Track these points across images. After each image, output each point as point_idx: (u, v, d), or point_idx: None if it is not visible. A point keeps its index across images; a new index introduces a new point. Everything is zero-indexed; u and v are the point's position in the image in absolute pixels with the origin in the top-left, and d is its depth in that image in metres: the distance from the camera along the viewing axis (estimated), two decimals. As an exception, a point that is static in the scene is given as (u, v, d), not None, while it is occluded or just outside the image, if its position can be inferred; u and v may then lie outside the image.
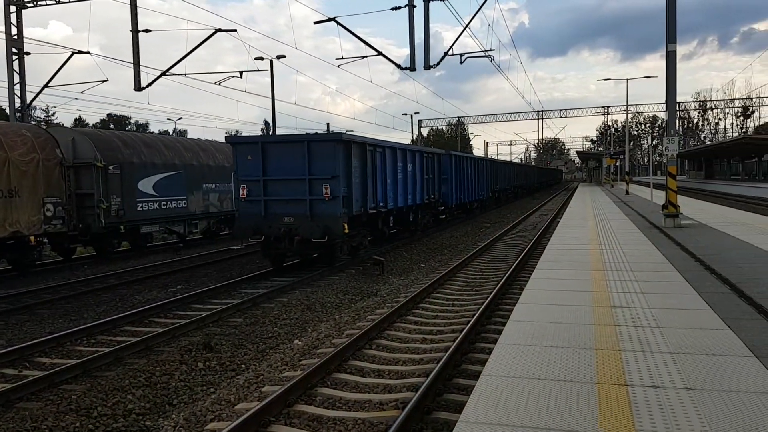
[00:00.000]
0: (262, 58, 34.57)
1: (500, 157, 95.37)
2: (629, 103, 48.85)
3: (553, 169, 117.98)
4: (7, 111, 22.95)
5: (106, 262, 18.23)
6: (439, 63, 17.22)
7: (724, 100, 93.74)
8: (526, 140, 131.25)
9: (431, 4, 15.89)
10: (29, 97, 22.99)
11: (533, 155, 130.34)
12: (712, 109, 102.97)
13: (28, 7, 22.10)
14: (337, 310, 11.31)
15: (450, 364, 7.18)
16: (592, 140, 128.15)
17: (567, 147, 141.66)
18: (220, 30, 18.28)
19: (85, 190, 17.60)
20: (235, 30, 18.17)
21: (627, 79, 48.96)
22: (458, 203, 28.59)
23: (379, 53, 17.03)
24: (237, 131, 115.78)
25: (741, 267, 8.88)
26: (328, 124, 62.60)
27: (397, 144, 19.42)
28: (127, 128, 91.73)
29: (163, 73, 18.92)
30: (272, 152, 15.02)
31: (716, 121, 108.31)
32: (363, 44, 18.17)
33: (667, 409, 3.70)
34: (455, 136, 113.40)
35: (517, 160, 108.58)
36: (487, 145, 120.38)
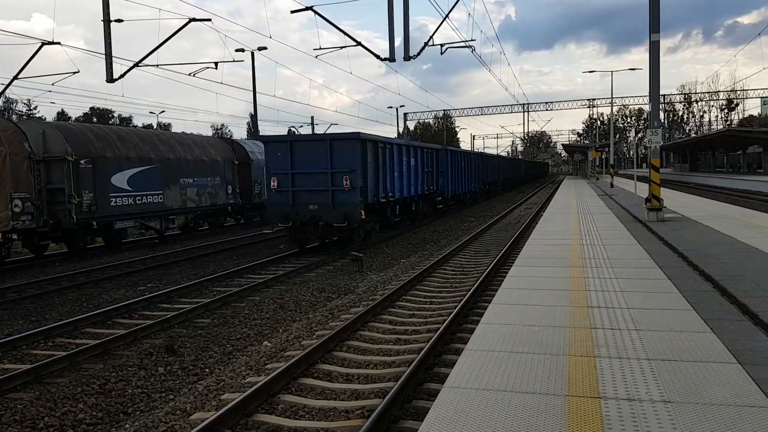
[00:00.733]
0: (243, 50, 33.99)
1: (487, 151, 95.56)
2: (615, 96, 48.78)
3: (540, 162, 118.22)
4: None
5: (78, 258, 17.72)
6: (419, 53, 16.84)
7: (708, 92, 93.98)
8: (512, 133, 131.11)
9: (411, -7, 15.56)
10: None
11: (520, 148, 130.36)
12: (696, 102, 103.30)
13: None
14: (311, 308, 10.94)
15: (422, 368, 6.84)
16: (578, 133, 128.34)
17: (553, 140, 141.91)
18: (194, 19, 17.75)
19: (56, 185, 17.06)
20: (209, 20, 17.66)
21: (612, 72, 48.87)
22: (453, 194, 30.84)
23: (359, 44, 16.61)
24: (222, 125, 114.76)
25: (724, 263, 8.60)
26: (312, 118, 62.08)
27: (402, 141, 22.28)
28: (110, 122, 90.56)
29: (136, 64, 18.35)
30: (299, 149, 17.33)
31: (701, 113, 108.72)
32: (345, 35, 17.74)
33: (642, 426, 3.36)
34: (442, 129, 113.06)
35: (503, 154, 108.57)
36: (474, 139, 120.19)
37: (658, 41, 14.09)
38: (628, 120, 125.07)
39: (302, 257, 16.74)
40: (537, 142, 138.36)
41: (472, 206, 36.25)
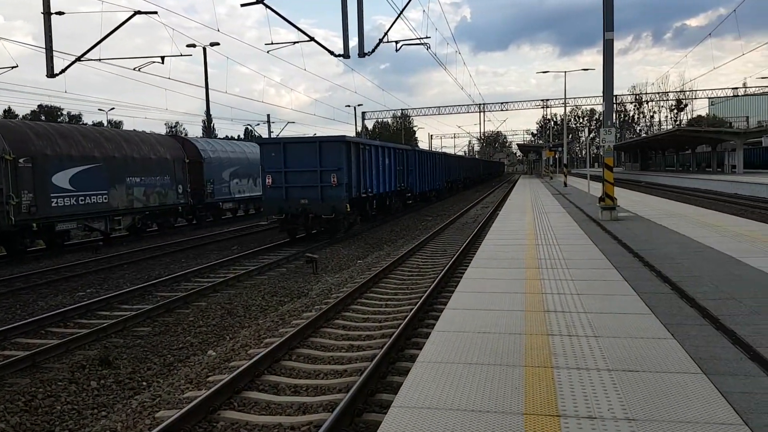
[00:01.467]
0: (194, 45, 33.14)
1: (444, 150, 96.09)
2: (568, 97, 49.39)
3: (496, 162, 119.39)
4: None
5: (17, 262, 16.80)
6: (374, 50, 16.50)
7: (658, 93, 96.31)
8: (468, 133, 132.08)
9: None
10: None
11: (476, 148, 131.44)
12: (647, 102, 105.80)
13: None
14: (261, 313, 10.49)
15: (375, 376, 6.50)
16: (532, 133, 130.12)
17: (509, 140, 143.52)
18: (139, 12, 17.02)
19: (-8, 186, 16.13)
20: (155, 12, 16.96)
21: (565, 72, 49.52)
22: (421, 191, 33.69)
23: (312, 39, 16.18)
24: (177, 122, 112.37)
25: (680, 263, 8.52)
26: (268, 116, 61.08)
27: (379, 142, 25.19)
28: (58, 120, 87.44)
29: (78, 59, 17.50)
30: (291, 150, 19.40)
31: (651, 113, 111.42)
32: (299, 31, 17.27)
33: (605, 448, 3.09)
34: (400, 128, 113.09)
35: (461, 153, 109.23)
36: (431, 138, 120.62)
37: (612, 39, 14.09)
38: (581, 120, 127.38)
39: (254, 259, 16.23)
40: (493, 141, 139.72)
41: (435, 203, 38.75)
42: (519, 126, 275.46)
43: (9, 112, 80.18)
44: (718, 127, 66.88)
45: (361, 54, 16.23)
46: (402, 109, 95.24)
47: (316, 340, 8.32)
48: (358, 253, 17.52)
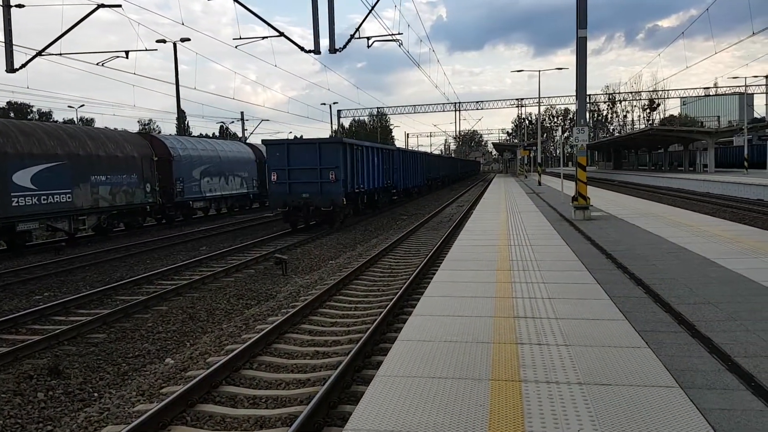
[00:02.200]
0: (164, 41, 32.44)
1: (421, 149, 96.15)
2: (542, 96, 49.49)
3: (472, 160, 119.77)
4: None
5: (-26, 264, 16.13)
6: (345, 46, 16.15)
7: (631, 92, 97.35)
8: (444, 132, 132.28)
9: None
10: None
11: (453, 147, 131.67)
12: (620, 102, 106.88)
13: None
14: (226, 318, 10.09)
15: (338, 386, 6.18)
16: (507, 132, 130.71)
17: (484, 139, 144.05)
18: (102, 6, 16.44)
19: (-54, 185, 15.46)
20: (119, 5, 16.40)
21: (539, 71, 49.52)
22: (405, 188, 36.33)
23: (281, 34, 15.77)
24: (150, 120, 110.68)
25: (654, 264, 8.34)
26: (242, 113, 60.32)
27: (369, 143, 28.24)
28: (28, 117, 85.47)
29: (39, 53, 16.86)
30: (294, 150, 21.99)
31: (624, 113, 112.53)
32: (269, 26, 16.84)
33: (575, 476, 2.82)
34: (376, 127, 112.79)
35: (437, 152, 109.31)
36: (408, 137, 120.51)
37: (585, 37, 13.93)
38: (555, 120, 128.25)
39: (222, 260, 15.80)
40: (469, 140, 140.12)
41: (416, 198, 41.46)
42: (494, 125, 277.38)
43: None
44: (690, 127, 67.73)
45: (333, 50, 15.87)
46: (378, 108, 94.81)
47: (280, 347, 7.97)
48: (330, 253, 17.18)
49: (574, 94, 14.81)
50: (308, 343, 8.22)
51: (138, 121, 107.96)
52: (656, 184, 45.72)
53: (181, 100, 36.20)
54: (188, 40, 32.56)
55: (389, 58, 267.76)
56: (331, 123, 78.13)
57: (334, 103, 76.77)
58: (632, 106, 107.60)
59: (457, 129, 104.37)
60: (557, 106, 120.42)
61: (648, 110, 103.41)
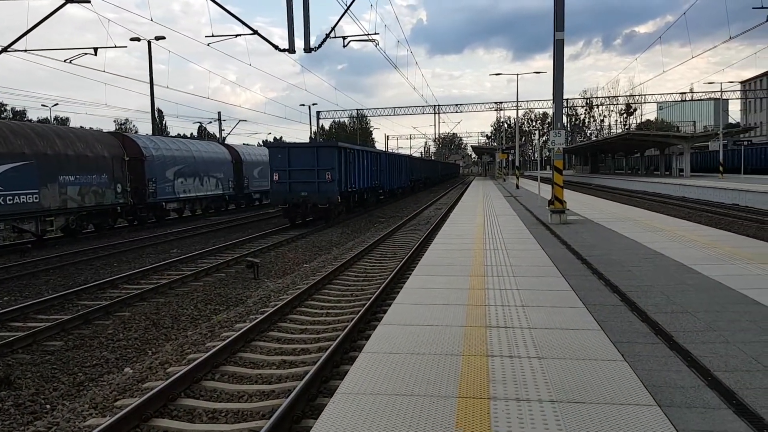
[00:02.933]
0: (138, 39, 31.84)
1: (400, 151, 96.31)
2: (520, 100, 49.62)
3: (452, 163, 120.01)
4: None
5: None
6: (320, 46, 15.84)
7: (608, 97, 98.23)
8: (424, 134, 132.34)
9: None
10: None
11: (432, 149, 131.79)
12: (597, 107, 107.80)
13: None
14: (191, 324, 9.72)
15: (303, 398, 5.88)
16: (486, 136, 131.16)
17: (464, 142, 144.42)
18: (71, 1, 15.95)
19: None
20: (88, 1, 15.92)
21: (517, 75, 49.69)
22: (390, 188, 38.42)
23: (255, 32, 15.42)
24: (127, 119, 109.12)
25: (630, 270, 8.17)
26: (219, 113, 59.52)
27: (360, 147, 30.89)
28: (2, 116, 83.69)
29: (5, 49, 16.31)
30: (294, 153, 24.27)
31: (602, 117, 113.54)
32: (243, 24, 16.47)
33: None
34: (357, 129, 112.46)
35: (417, 154, 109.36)
36: (388, 139, 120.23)
37: (562, 40, 13.80)
38: (534, 123, 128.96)
39: (192, 263, 15.38)
40: (448, 143, 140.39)
41: (400, 199, 43.66)
42: (474, 128, 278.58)
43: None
44: (667, 132, 68.46)
45: (307, 49, 15.56)
46: (358, 110, 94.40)
47: (245, 356, 7.64)
48: (305, 256, 16.85)
49: (552, 97, 14.68)
50: (275, 352, 7.91)
51: (114, 121, 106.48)
52: (633, 188, 46.02)
53: (159, 100, 35.63)
54: (163, 38, 31.99)
55: (369, 61, 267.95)
56: (310, 124, 77.65)
57: (313, 104, 76.25)
58: (609, 110, 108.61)
59: (437, 132, 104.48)
60: (536, 110, 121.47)
61: (625, 115, 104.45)
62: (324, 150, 24.40)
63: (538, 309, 6.16)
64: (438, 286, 7.58)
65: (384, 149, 73.00)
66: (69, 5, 17.12)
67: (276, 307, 9.67)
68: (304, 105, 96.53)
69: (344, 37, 17.28)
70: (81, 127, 53.27)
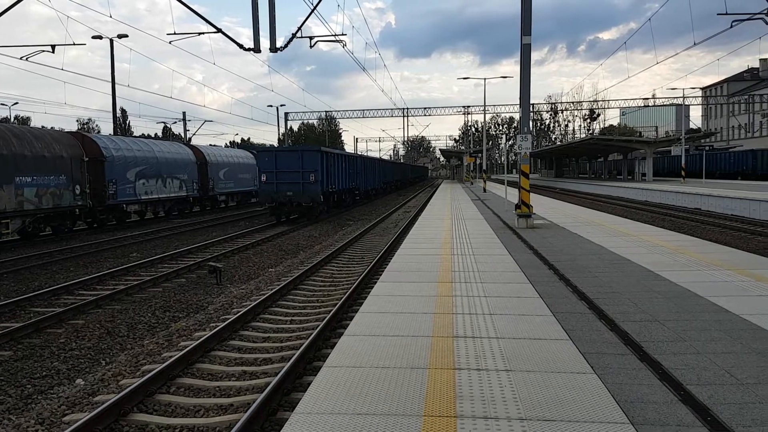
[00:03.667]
0: (100, 37, 31.09)
1: (369, 153, 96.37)
2: (488, 104, 49.89)
3: (421, 166, 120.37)
4: None
5: None
6: (286, 45, 15.52)
7: (572, 102, 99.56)
8: (393, 137, 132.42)
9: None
10: None
11: (401, 152, 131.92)
12: (562, 112, 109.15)
13: None
14: (148, 333, 9.36)
15: (263, 413, 5.63)
16: (455, 139, 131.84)
17: (432, 145, 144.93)
18: (25, -5, 15.36)
19: None
20: (44, -4, 15.34)
21: (485, 79, 49.91)
22: (365, 189, 40.71)
23: (219, 30, 15.06)
24: (89, 119, 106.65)
25: (597, 277, 8.10)
26: (184, 113, 58.56)
27: (339, 151, 34.72)
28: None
29: (-46, 44, 15.60)
30: (280, 156, 26.75)
31: (566, 122, 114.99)
32: (206, 22, 16.09)
33: None
34: (326, 131, 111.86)
35: (386, 157, 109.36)
36: (357, 141, 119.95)
37: (529, 44, 13.78)
38: (501, 128, 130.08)
39: (151, 268, 14.93)
40: (417, 146, 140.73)
41: (374, 200, 45.65)
42: (442, 132, 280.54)
43: None
44: (630, 137, 69.62)
45: (273, 49, 15.25)
46: (326, 112, 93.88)
47: (203, 367, 7.34)
48: (271, 260, 16.52)
49: (519, 102, 14.65)
50: (236, 362, 7.62)
51: (77, 120, 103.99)
52: (597, 192, 46.63)
53: (123, 99, 34.85)
54: (126, 36, 31.25)
55: (338, 63, 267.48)
56: (278, 126, 77.00)
57: (282, 106, 75.65)
58: (573, 115, 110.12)
59: (406, 135, 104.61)
60: (502, 115, 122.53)
61: (589, 120, 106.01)
62: (308, 153, 26.77)
63: (505, 317, 6.02)
64: (405, 293, 7.40)
65: (353, 152, 73.09)
66: (29, 4, 16.52)
67: (238, 315, 9.37)
68: (272, 106, 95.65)
69: (311, 38, 17.03)
70: (42, 126, 51.80)
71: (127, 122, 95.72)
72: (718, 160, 55.54)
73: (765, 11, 22.86)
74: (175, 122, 63.44)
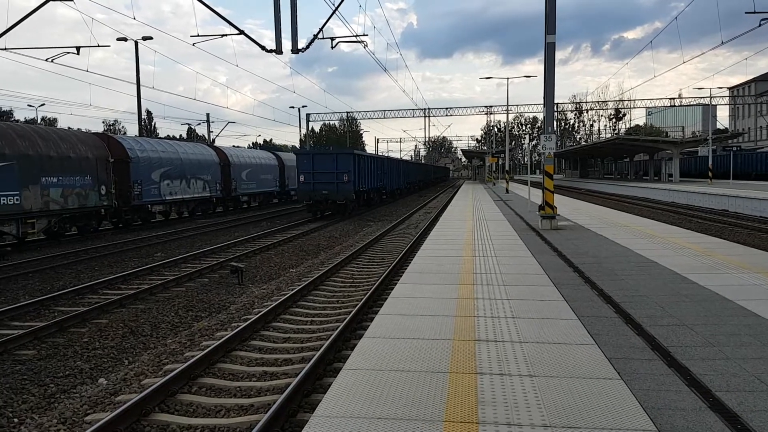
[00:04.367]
0: (125, 39, 31.45)
1: (390, 154, 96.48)
2: (510, 104, 49.65)
3: (442, 167, 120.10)
4: None
5: None
6: (308, 47, 15.56)
7: (597, 102, 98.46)
8: (414, 138, 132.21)
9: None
10: None
11: (422, 153, 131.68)
12: (587, 111, 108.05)
13: None
14: (171, 332, 9.40)
15: (284, 414, 5.60)
16: (476, 139, 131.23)
17: (454, 145, 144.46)
18: (52, -1, 15.60)
19: None
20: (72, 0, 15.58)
21: (508, 78, 49.62)
22: (391, 189, 42.88)
23: (241, 32, 15.14)
24: (116, 120, 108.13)
25: (623, 280, 7.95)
26: (208, 115, 59.11)
27: (368, 153, 38.44)
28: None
29: (-17, 47, 15.91)
30: (317, 158, 29.25)
31: (591, 122, 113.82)
32: (228, 24, 16.18)
33: None
34: (347, 131, 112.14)
35: (407, 158, 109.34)
36: (378, 142, 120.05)
37: (554, 43, 13.60)
38: (524, 128, 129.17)
39: (175, 267, 15.04)
40: (438, 147, 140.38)
41: (398, 199, 47.35)
42: (464, 132, 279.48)
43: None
44: (656, 137, 68.61)
45: (295, 50, 15.28)
46: (348, 113, 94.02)
47: (225, 367, 7.34)
48: (292, 260, 16.54)
49: (542, 102, 14.49)
50: (257, 362, 7.62)
51: (103, 122, 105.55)
52: (622, 192, 46.02)
53: (149, 101, 35.27)
54: (150, 38, 31.59)
55: (359, 64, 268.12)
56: (300, 127, 77.30)
57: (303, 107, 75.93)
58: (599, 115, 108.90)
59: (427, 135, 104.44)
60: (525, 115, 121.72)
61: (614, 120, 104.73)
62: (342, 156, 29.36)
63: (529, 321, 5.91)
64: (425, 295, 7.32)
65: (374, 153, 73.36)
66: (56, 6, 16.77)
67: (259, 315, 9.38)
68: (293, 107, 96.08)
69: (332, 38, 17.03)
70: (69, 128, 52.63)
71: (153, 124, 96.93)
72: (747, 160, 54.48)
73: (796, 8, 22.30)
74: (200, 124, 64.26)
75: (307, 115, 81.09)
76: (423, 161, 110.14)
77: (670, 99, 78.42)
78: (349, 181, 28.68)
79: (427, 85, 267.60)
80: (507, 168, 45.44)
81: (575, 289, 7.50)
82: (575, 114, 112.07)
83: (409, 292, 7.56)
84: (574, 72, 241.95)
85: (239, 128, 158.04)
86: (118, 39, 30.87)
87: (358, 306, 9.64)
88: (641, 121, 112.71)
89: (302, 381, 6.24)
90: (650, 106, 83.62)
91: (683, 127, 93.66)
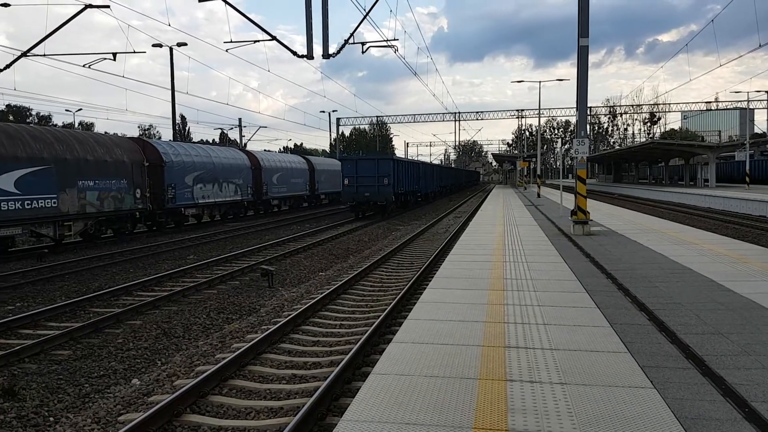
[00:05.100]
0: (160, 45, 32.06)
1: (420, 158, 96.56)
2: (542, 108, 49.23)
3: (472, 171, 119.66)
4: None
5: (-49, 270, 15.55)
6: (339, 51, 15.66)
7: (632, 106, 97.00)
8: (444, 142, 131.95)
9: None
10: None
11: (452, 157, 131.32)
12: (621, 115, 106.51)
13: None
14: (203, 334, 9.53)
15: (312, 417, 5.63)
16: (507, 143, 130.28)
17: (484, 149, 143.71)
18: (90, 6, 15.98)
19: None
20: (108, 6, 15.94)
21: (540, 82, 49.15)
22: (425, 192, 45.11)
23: (273, 38, 15.31)
24: (150, 125, 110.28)
25: (658, 287, 7.80)
26: (240, 120, 59.95)
27: (405, 158, 41.97)
28: (27, 120, 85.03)
29: (24, 54, 16.39)
30: (360, 164, 31.99)
31: (625, 126, 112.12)
32: (260, 29, 16.39)
33: None
34: (377, 136, 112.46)
35: (436, 162, 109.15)
36: (407, 146, 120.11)
37: (587, 46, 13.45)
38: (556, 131, 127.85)
39: (207, 270, 15.24)
40: (469, 151, 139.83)
41: (432, 202, 49.64)
42: (495, 136, 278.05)
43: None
44: (691, 141, 67.29)
45: (326, 55, 15.39)
46: (378, 117, 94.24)
47: (255, 369, 7.41)
48: (321, 264, 16.63)
49: (575, 106, 14.32)
50: (286, 365, 7.67)
51: (138, 126, 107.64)
52: (656, 198, 45.21)
53: (182, 106, 35.90)
54: (185, 44, 32.14)
55: (389, 68, 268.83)
56: (330, 131, 77.76)
57: (333, 111, 76.44)
58: (633, 119, 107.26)
59: (457, 139, 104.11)
60: (558, 118, 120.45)
61: (648, 124, 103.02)
62: (383, 161, 32.32)
63: (560, 327, 5.85)
64: (454, 300, 7.29)
65: (404, 156, 73.79)
66: (93, 14, 17.20)
67: (289, 318, 9.44)
68: (324, 112, 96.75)
69: (363, 43, 17.11)
70: (105, 132, 53.86)
71: (187, 128, 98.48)
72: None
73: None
74: (232, 128, 64.96)
75: (338, 119, 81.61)
76: (453, 165, 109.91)
77: (706, 103, 76.91)
78: (389, 184, 31.24)
79: (458, 89, 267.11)
80: (539, 172, 45.02)
81: (608, 295, 7.39)
82: (609, 118, 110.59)
83: (438, 297, 7.54)
84: (608, 75, 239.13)
85: (270, 132, 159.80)
86: (154, 45, 31.51)
87: (386, 310, 9.64)
88: (676, 126, 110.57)
89: (331, 385, 6.26)
90: (686, 110, 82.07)
91: (719, 131, 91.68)
